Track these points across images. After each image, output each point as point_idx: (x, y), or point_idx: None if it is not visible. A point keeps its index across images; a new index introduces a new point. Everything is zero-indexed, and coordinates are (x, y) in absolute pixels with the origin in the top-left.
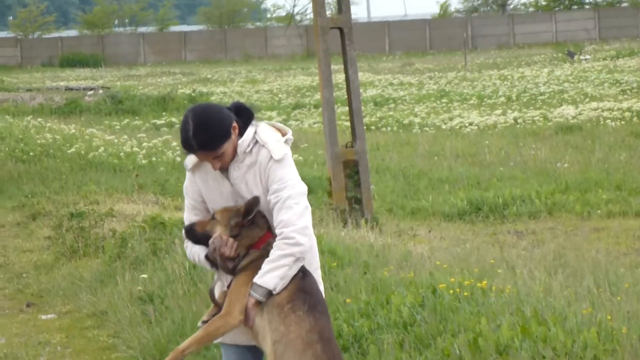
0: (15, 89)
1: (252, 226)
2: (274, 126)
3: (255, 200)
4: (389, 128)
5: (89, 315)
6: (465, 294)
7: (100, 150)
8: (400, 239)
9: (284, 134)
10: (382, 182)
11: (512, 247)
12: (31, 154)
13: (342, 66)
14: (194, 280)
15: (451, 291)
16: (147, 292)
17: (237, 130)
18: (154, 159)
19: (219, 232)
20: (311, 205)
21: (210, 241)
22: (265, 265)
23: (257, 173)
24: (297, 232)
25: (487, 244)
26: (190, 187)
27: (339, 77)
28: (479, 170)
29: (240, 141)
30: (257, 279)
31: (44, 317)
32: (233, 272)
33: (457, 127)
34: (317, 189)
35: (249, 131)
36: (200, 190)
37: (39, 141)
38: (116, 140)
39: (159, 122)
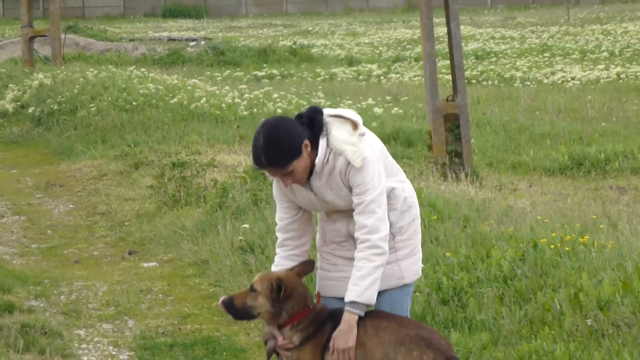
0: (118, 38)
1: (290, 300)
2: (340, 116)
3: (278, 284)
4: (490, 82)
5: (190, 263)
6: (567, 249)
7: (202, 101)
8: (501, 193)
9: (353, 123)
10: (483, 136)
11: (614, 202)
12: (134, 103)
13: (443, 19)
14: None
15: (552, 246)
16: (248, 241)
17: (309, 148)
18: (255, 110)
19: (260, 305)
20: (411, 158)
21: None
22: (361, 281)
23: (338, 177)
24: (383, 240)
25: (589, 199)
26: (279, 192)
27: (440, 30)
28: (581, 125)
29: (317, 160)
30: (358, 298)
31: (145, 265)
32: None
33: (559, 81)
34: (417, 142)
35: (322, 144)
36: (288, 195)
37: (141, 91)
38: (218, 92)
39: (260, 73)
